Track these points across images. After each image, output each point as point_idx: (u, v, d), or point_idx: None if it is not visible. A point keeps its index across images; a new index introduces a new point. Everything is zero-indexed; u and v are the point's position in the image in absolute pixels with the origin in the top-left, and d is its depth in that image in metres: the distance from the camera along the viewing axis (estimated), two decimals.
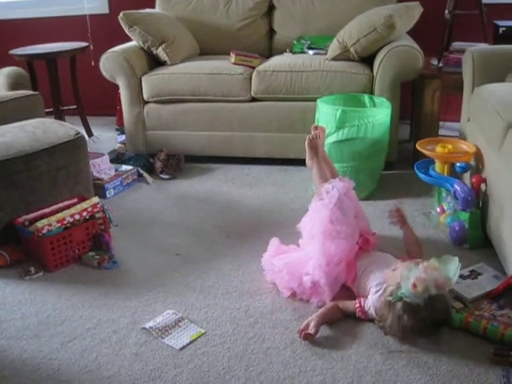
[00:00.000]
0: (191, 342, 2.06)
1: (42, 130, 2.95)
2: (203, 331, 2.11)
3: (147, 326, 2.15)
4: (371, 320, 2.09)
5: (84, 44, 4.52)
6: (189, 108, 3.76)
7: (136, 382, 1.89)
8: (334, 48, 3.60)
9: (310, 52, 3.87)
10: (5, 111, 3.33)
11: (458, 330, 2.04)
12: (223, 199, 3.30)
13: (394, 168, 3.54)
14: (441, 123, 3.68)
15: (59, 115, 4.36)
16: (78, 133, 2.98)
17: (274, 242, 2.49)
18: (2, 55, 4.24)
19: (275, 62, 3.71)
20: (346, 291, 2.28)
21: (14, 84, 3.70)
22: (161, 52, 3.85)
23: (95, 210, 2.78)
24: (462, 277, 2.32)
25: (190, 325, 2.15)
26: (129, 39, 3.96)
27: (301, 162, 3.61)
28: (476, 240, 2.59)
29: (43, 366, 1.99)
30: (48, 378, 1.92)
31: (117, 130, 4.57)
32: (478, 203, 2.61)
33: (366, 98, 3.36)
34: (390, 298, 1.96)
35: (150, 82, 3.76)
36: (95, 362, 1.99)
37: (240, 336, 2.08)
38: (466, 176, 2.83)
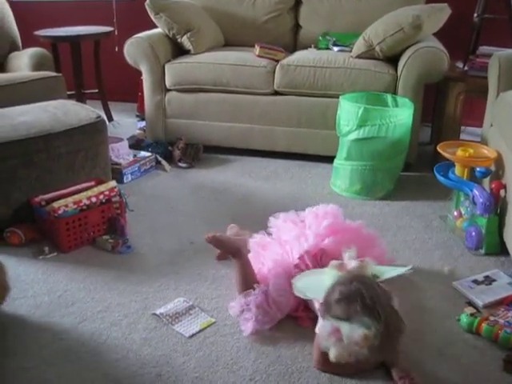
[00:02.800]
0: (201, 331, 2.06)
1: (64, 112, 2.96)
2: (213, 320, 2.11)
3: (158, 312, 2.15)
4: None
5: (109, 29, 4.53)
6: (210, 98, 3.76)
7: (144, 366, 1.89)
8: (359, 46, 3.58)
9: (335, 48, 3.85)
10: (27, 91, 3.36)
11: (470, 335, 2.02)
12: (239, 191, 3.29)
13: (412, 169, 3.52)
14: (462, 128, 3.65)
15: (81, 98, 4.38)
16: (99, 116, 2.98)
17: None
18: (27, 36, 4.25)
19: (299, 56, 3.70)
20: None
21: (38, 65, 3.74)
22: (185, 40, 3.84)
23: (112, 194, 2.78)
24: (475, 282, 2.31)
25: (200, 313, 2.15)
26: (154, 26, 3.96)
27: (319, 158, 3.63)
28: (492, 246, 2.57)
29: (53, 345, 1.99)
30: (57, 358, 1.93)
31: (137, 116, 4.60)
32: (497, 209, 2.59)
33: (389, 97, 3.34)
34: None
35: (173, 70, 3.76)
36: (104, 344, 2.00)
37: None
38: (486, 181, 2.81)
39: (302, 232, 2.28)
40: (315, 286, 1.94)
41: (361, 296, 1.69)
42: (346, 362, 1.71)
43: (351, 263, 2.00)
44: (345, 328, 1.65)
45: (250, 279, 2.19)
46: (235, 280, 2.27)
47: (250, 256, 2.30)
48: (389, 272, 2.04)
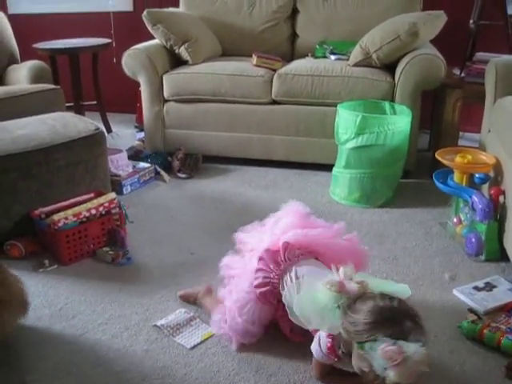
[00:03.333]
0: (202, 342, 2.06)
1: (62, 124, 2.97)
2: (214, 332, 2.10)
3: (159, 323, 2.15)
4: None
5: (107, 40, 4.54)
6: (209, 108, 3.76)
7: (146, 378, 1.88)
8: (356, 54, 3.59)
9: (332, 57, 3.86)
10: (26, 104, 3.37)
11: (472, 342, 2.02)
12: (239, 200, 3.30)
13: (411, 176, 3.52)
14: (460, 133, 3.66)
15: (79, 110, 4.38)
16: (98, 128, 2.99)
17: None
18: (25, 49, 4.26)
19: (297, 65, 3.71)
20: None
21: (36, 77, 3.75)
22: (183, 51, 3.85)
23: (112, 206, 2.78)
24: (476, 288, 2.31)
25: (201, 324, 2.15)
26: (151, 37, 3.97)
27: (318, 167, 3.63)
28: (492, 252, 2.57)
29: (53, 357, 1.99)
30: (58, 371, 1.93)
31: (136, 127, 4.61)
32: (496, 215, 2.59)
33: (387, 105, 3.35)
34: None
35: (171, 81, 3.77)
36: (105, 356, 2.00)
37: None
38: (485, 187, 2.81)
39: (261, 236, 2.17)
40: (313, 309, 1.78)
41: (409, 313, 1.61)
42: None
43: (350, 284, 1.75)
44: (407, 347, 1.53)
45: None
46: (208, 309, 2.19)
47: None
48: (387, 287, 1.93)
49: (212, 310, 2.13)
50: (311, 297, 1.79)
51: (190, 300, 2.28)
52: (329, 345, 1.74)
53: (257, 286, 1.98)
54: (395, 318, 1.59)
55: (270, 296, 1.97)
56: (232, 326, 2.00)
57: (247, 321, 1.98)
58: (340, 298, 1.71)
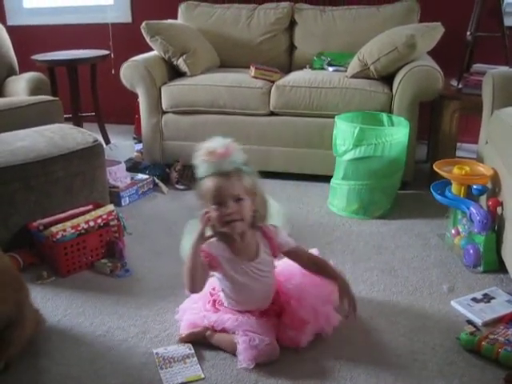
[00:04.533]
0: None
1: (61, 136, 2.98)
2: (202, 376, 1.94)
3: (155, 350, 2.07)
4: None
5: (105, 52, 4.56)
6: (207, 120, 3.77)
7: None
8: (353, 65, 3.60)
9: (330, 69, 3.87)
10: (24, 116, 3.37)
11: (470, 354, 2.01)
12: None
13: (409, 188, 3.53)
14: (458, 144, 3.67)
15: (78, 121, 4.39)
16: (96, 140, 3.00)
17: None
18: (24, 60, 4.27)
19: (295, 77, 3.72)
20: None
21: (35, 89, 3.75)
22: (181, 63, 3.87)
23: (110, 218, 2.79)
24: (474, 300, 2.31)
25: (195, 365, 1.99)
26: (150, 49, 3.99)
27: (316, 178, 3.63)
28: (490, 263, 2.57)
29: (51, 369, 1.99)
30: (55, 382, 1.92)
31: (134, 138, 4.61)
32: (494, 227, 2.59)
33: (385, 116, 3.36)
34: None
35: (170, 93, 3.78)
36: (104, 368, 1.99)
37: None
38: (483, 199, 2.82)
39: None
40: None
41: None
42: None
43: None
44: None
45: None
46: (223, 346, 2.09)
47: None
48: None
49: (227, 346, 2.06)
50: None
51: (197, 339, 2.12)
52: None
53: None
54: None
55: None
56: (254, 346, 1.97)
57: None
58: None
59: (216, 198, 1.95)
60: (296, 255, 2.16)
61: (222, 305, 2.15)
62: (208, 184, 1.96)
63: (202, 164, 1.98)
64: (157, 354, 2.06)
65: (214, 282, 2.17)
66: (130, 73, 3.82)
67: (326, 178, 3.42)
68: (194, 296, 2.21)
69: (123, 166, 3.59)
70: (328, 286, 2.13)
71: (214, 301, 2.18)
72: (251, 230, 2.06)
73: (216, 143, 2.00)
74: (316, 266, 2.15)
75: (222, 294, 2.15)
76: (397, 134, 3.08)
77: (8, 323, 1.93)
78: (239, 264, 2.04)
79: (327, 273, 2.13)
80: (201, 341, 2.10)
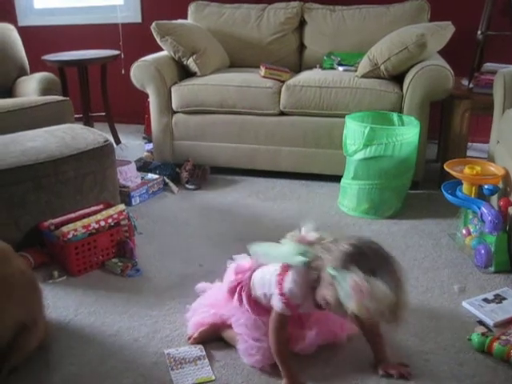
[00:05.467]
0: None
1: (71, 136, 2.99)
2: (213, 378, 1.94)
3: (167, 351, 2.07)
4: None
5: (115, 52, 4.57)
6: (217, 120, 3.78)
7: None
8: (364, 65, 3.60)
9: (340, 68, 3.87)
10: (35, 116, 3.39)
11: (481, 354, 2.01)
12: (247, 212, 3.30)
13: (420, 187, 3.52)
14: (469, 144, 3.65)
15: (88, 121, 4.41)
16: (107, 140, 3.01)
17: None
18: (35, 61, 4.29)
19: (305, 76, 3.72)
20: None
21: (45, 89, 3.77)
22: (191, 63, 3.87)
23: (121, 217, 2.79)
24: (486, 300, 2.30)
25: (206, 367, 1.99)
26: (160, 49, 3.99)
27: (325, 178, 3.63)
28: (502, 264, 2.56)
29: (63, 369, 1.99)
30: (66, 383, 1.93)
31: (144, 138, 4.62)
32: (505, 227, 2.58)
33: (395, 116, 3.35)
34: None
35: (180, 93, 3.78)
36: (115, 368, 2.00)
37: None
38: (494, 199, 2.81)
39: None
40: (273, 252, 1.94)
41: (383, 254, 1.71)
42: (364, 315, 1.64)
43: (311, 235, 1.90)
44: (375, 283, 1.58)
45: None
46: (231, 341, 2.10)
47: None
48: None
49: (234, 342, 2.06)
50: (274, 246, 1.94)
51: (209, 336, 2.12)
52: (283, 300, 1.83)
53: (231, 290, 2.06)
54: (370, 254, 1.68)
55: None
56: (252, 355, 1.98)
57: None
58: (301, 247, 1.84)
59: None
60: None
61: (246, 294, 2.03)
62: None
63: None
64: (168, 354, 2.06)
65: (241, 266, 2.13)
66: (140, 73, 3.83)
67: (336, 178, 3.41)
68: (207, 294, 2.23)
69: (133, 166, 3.60)
70: None
71: (241, 287, 2.04)
72: None
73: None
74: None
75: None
76: (407, 133, 3.07)
77: (21, 328, 1.93)
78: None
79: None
80: (212, 337, 2.10)
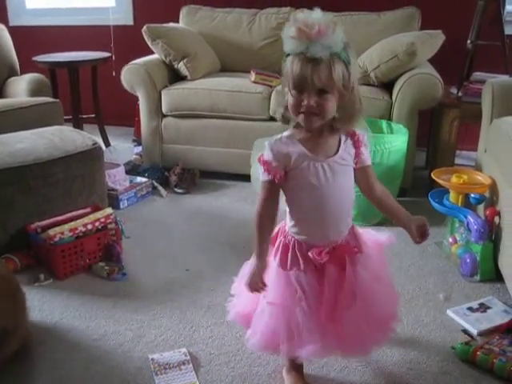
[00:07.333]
0: None
1: (60, 138, 2.98)
2: (197, 383, 1.94)
3: (151, 356, 2.07)
4: None
5: (106, 54, 4.56)
6: (207, 124, 3.78)
7: None
8: None
9: None
10: (24, 117, 3.38)
11: (465, 364, 2.02)
12: (235, 217, 3.30)
13: (408, 195, 3.52)
14: (457, 152, 3.67)
15: (78, 123, 4.39)
16: (96, 143, 3.00)
17: None
18: (25, 61, 4.27)
19: None
20: None
21: (35, 90, 3.76)
22: (182, 67, 3.87)
23: (108, 221, 2.79)
24: (470, 309, 2.31)
25: (190, 372, 1.99)
26: (151, 52, 4.00)
27: None
28: (487, 273, 2.57)
29: (47, 373, 1.99)
30: None
31: (134, 141, 4.61)
32: (491, 236, 2.60)
33: (384, 123, 3.36)
34: None
35: (170, 96, 3.78)
36: (99, 373, 1.99)
37: (245, 356, 2.07)
38: (480, 208, 2.82)
39: None
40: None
41: None
42: None
43: None
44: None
45: None
46: None
47: None
48: None
49: None
50: None
51: None
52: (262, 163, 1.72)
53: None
54: None
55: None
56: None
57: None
58: None
59: (296, 84, 1.59)
60: (366, 175, 1.88)
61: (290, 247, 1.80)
62: (291, 65, 1.59)
63: (289, 39, 1.59)
64: (152, 359, 2.06)
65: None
66: (130, 76, 3.83)
67: None
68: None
69: (122, 169, 3.59)
70: (391, 308, 1.91)
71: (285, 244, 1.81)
72: (330, 131, 1.71)
73: (313, 17, 1.57)
74: (381, 192, 1.94)
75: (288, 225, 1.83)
76: (396, 141, 3.08)
77: (1, 333, 1.93)
78: (313, 160, 1.69)
79: (389, 203, 1.94)
80: None
